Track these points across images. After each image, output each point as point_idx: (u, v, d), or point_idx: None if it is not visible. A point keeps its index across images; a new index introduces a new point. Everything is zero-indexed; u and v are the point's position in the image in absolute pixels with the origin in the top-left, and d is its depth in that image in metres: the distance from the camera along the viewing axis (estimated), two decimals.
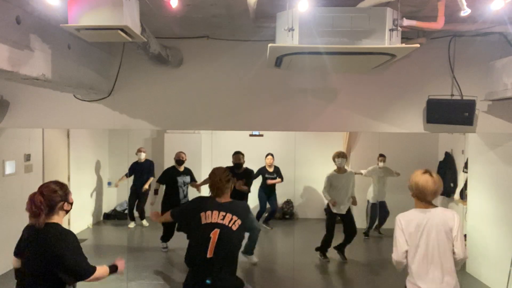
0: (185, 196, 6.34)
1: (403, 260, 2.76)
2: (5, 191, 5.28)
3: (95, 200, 8.07)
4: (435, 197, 2.79)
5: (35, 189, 2.41)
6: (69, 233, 2.39)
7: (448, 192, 6.63)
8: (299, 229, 7.99)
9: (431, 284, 2.70)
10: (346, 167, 6.08)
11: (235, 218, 2.86)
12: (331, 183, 5.85)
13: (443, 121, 3.76)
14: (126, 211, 8.40)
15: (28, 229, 2.45)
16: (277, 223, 8.12)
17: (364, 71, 3.84)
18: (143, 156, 7.69)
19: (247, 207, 3.14)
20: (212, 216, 2.86)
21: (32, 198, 2.35)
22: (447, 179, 6.55)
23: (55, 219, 2.40)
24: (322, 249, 6.04)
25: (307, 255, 6.28)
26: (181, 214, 3.09)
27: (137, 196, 7.72)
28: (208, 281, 2.91)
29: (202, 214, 2.88)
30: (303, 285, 5.26)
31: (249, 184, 5.76)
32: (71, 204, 2.51)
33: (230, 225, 2.84)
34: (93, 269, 2.40)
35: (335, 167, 5.94)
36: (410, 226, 2.75)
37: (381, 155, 7.10)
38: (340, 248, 6.00)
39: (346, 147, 8.00)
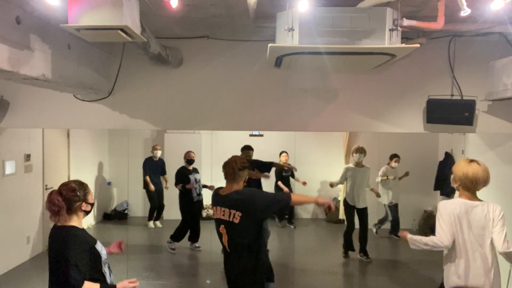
0: (198, 194, 6.39)
1: (449, 244, 2.68)
2: (5, 191, 5.28)
3: (95, 200, 8.06)
4: (485, 186, 2.70)
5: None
6: (78, 238, 2.33)
7: (448, 192, 6.63)
8: (299, 229, 8.00)
9: (467, 277, 2.67)
10: (363, 164, 6.14)
11: (233, 211, 2.83)
12: (347, 176, 5.99)
13: (443, 121, 3.76)
14: (126, 211, 8.42)
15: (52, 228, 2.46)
16: (277, 223, 8.13)
17: (364, 71, 3.84)
18: (159, 154, 7.73)
19: (249, 195, 2.87)
20: (217, 212, 2.96)
21: (50, 197, 2.35)
22: (447, 179, 6.55)
23: (74, 220, 2.40)
24: (346, 247, 6.10)
25: (307, 255, 6.29)
26: None
27: (158, 194, 7.76)
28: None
29: (213, 209, 3.02)
30: (303, 285, 5.26)
31: (265, 169, 5.65)
32: (91, 204, 2.48)
33: (231, 219, 2.84)
34: (79, 284, 2.24)
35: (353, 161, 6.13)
36: (452, 214, 2.71)
37: (396, 155, 7.05)
38: (362, 249, 6.08)
39: (346, 147, 8.00)
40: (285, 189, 7.22)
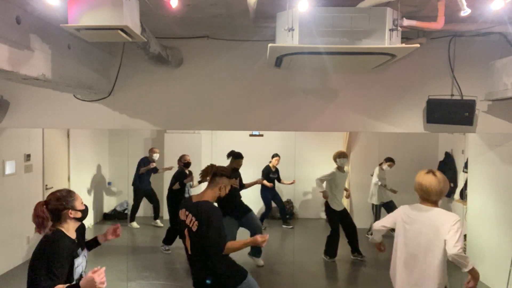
0: (189, 195, 6.42)
1: (379, 229, 3.11)
2: (5, 191, 5.28)
3: (95, 200, 8.07)
4: (441, 197, 2.81)
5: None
6: (55, 243, 2.26)
7: (448, 192, 6.62)
8: (299, 229, 8.00)
9: (406, 284, 2.78)
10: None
11: (193, 219, 2.87)
12: (334, 180, 5.93)
13: (443, 121, 3.76)
14: (126, 211, 8.41)
15: None
16: (277, 223, 8.13)
17: (364, 71, 3.84)
18: (157, 157, 7.73)
19: (210, 210, 2.88)
20: (183, 214, 2.99)
21: (36, 208, 2.32)
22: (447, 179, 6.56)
23: (64, 227, 2.37)
24: (331, 252, 6.03)
25: (307, 255, 6.29)
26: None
27: (149, 195, 7.76)
28: (208, 281, 2.94)
29: (180, 211, 3.03)
30: (303, 285, 5.26)
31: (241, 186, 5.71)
32: (82, 211, 2.44)
33: (191, 225, 2.89)
34: None
35: (335, 166, 6.06)
36: (398, 215, 2.93)
37: (390, 159, 7.02)
38: (355, 249, 6.06)
39: (346, 147, 8.00)
40: (269, 184, 7.27)
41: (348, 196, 6.34)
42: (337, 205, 5.93)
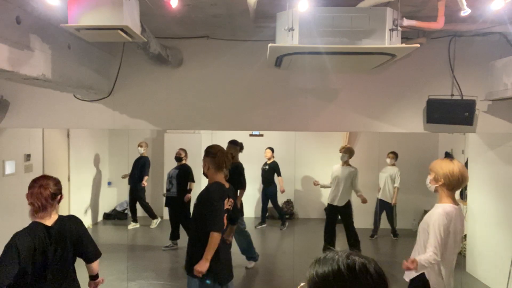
0: (168, 190, 6.61)
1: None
2: (5, 191, 5.28)
3: (95, 200, 8.07)
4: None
5: None
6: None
7: None
8: (299, 229, 7.99)
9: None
10: (349, 164, 6.08)
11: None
12: (332, 173, 6.07)
13: (443, 121, 3.76)
14: (126, 211, 8.42)
15: (38, 231, 2.39)
16: (277, 223, 8.13)
17: (364, 71, 3.84)
18: (141, 151, 7.76)
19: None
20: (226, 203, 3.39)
21: (37, 193, 2.32)
22: None
23: (55, 213, 2.42)
24: (325, 240, 6.12)
25: (307, 255, 6.28)
26: None
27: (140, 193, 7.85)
28: (208, 281, 2.94)
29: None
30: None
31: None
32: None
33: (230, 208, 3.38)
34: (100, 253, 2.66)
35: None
36: (448, 225, 2.53)
37: (392, 152, 7.13)
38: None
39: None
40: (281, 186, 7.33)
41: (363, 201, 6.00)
42: (330, 198, 6.03)
